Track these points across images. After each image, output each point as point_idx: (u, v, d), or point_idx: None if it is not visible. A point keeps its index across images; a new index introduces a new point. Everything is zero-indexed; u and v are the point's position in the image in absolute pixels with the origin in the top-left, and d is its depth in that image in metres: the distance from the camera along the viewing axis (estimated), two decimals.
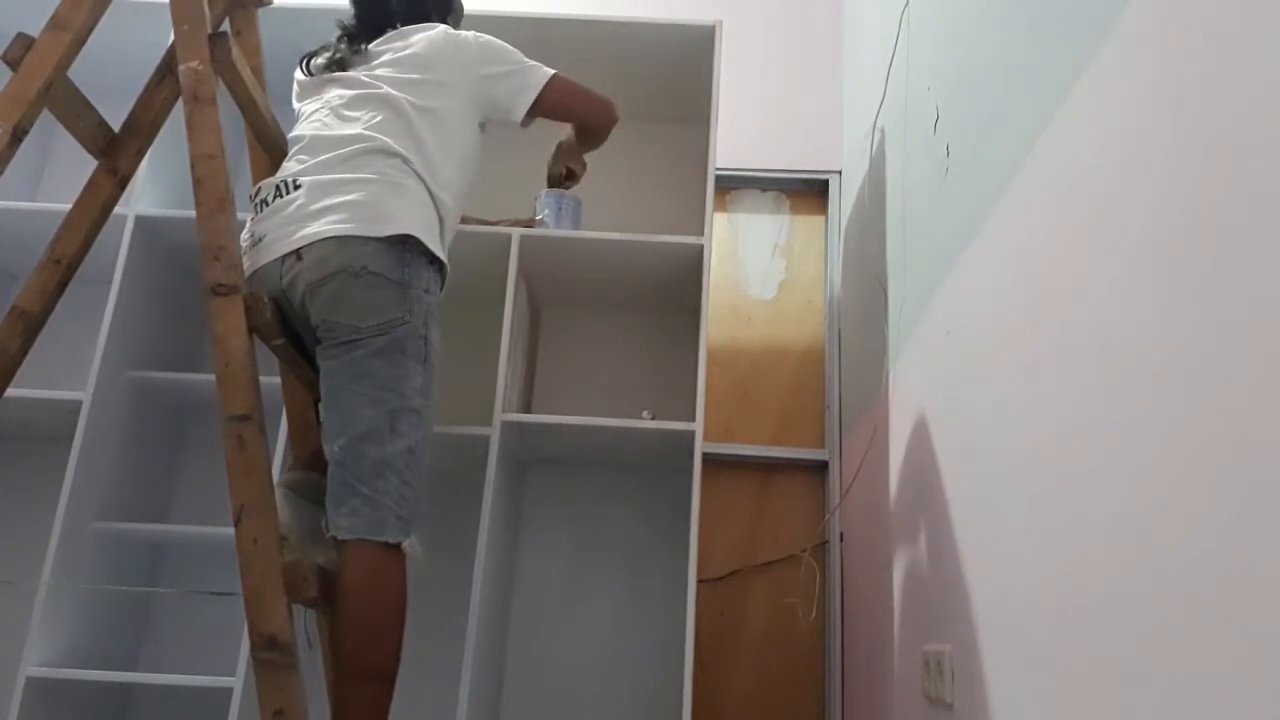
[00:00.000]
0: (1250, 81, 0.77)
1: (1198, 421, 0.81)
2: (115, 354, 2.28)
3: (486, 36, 1.92)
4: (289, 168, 1.71)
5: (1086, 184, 1.07)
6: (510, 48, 1.93)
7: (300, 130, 1.79)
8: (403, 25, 1.91)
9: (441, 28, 1.90)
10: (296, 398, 1.90)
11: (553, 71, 1.94)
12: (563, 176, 2.29)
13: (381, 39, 1.88)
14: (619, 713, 2.38)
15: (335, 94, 1.80)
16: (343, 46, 1.88)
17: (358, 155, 1.68)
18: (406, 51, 1.83)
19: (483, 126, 1.92)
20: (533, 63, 1.93)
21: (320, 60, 1.88)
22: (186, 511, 2.53)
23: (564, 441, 2.34)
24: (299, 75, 1.91)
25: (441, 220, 1.74)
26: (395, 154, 1.69)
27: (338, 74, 1.84)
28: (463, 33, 1.91)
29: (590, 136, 2.14)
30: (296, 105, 1.88)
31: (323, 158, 1.68)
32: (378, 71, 1.81)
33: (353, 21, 1.93)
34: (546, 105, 1.93)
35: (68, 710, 2.15)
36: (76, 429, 2.18)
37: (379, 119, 1.72)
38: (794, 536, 2.65)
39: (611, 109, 2.08)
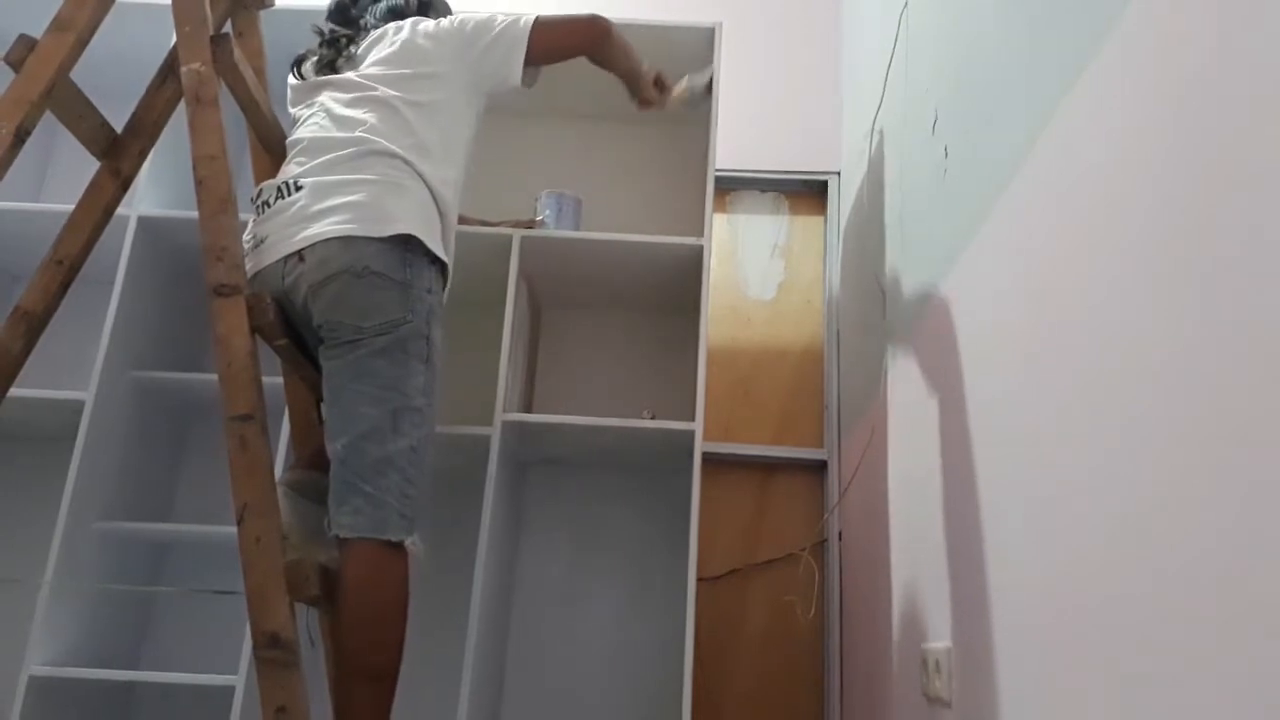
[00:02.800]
0: (1250, 81, 0.78)
1: (1198, 421, 0.81)
2: (118, 354, 2.28)
3: (468, 15, 1.90)
4: (289, 170, 1.71)
5: (1086, 183, 1.08)
6: (491, 16, 1.90)
7: (299, 133, 1.79)
8: (381, 23, 1.91)
9: (422, 21, 1.90)
10: (299, 398, 1.90)
11: (533, 18, 1.90)
12: (658, 92, 2.18)
13: (368, 39, 1.88)
14: (619, 712, 2.38)
15: (330, 96, 1.80)
16: (325, 51, 1.89)
17: (358, 156, 1.68)
18: (393, 49, 1.83)
19: (488, 100, 1.92)
20: (512, 18, 1.89)
21: (309, 65, 1.89)
22: (189, 511, 2.53)
23: (564, 441, 2.34)
24: (291, 80, 1.91)
25: (443, 218, 1.74)
26: (395, 155, 1.69)
27: (330, 77, 1.85)
28: (442, 20, 1.90)
29: (599, 61, 2.06)
30: (292, 110, 1.89)
31: (323, 159, 1.68)
32: (369, 71, 1.81)
33: (329, 26, 1.94)
34: (538, 56, 1.91)
35: (70, 709, 2.16)
36: (79, 429, 2.19)
37: (376, 119, 1.73)
38: (793, 536, 2.65)
39: (595, 26, 1.99)
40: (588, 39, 2.00)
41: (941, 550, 1.53)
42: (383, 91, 1.76)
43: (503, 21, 1.89)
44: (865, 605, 2.22)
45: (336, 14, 1.96)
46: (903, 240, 1.97)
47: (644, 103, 2.17)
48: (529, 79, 1.92)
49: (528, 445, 2.37)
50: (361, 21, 1.94)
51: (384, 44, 1.85)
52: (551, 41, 1.93)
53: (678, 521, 2.20)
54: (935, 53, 1.83)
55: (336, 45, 1.89)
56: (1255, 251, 0.75)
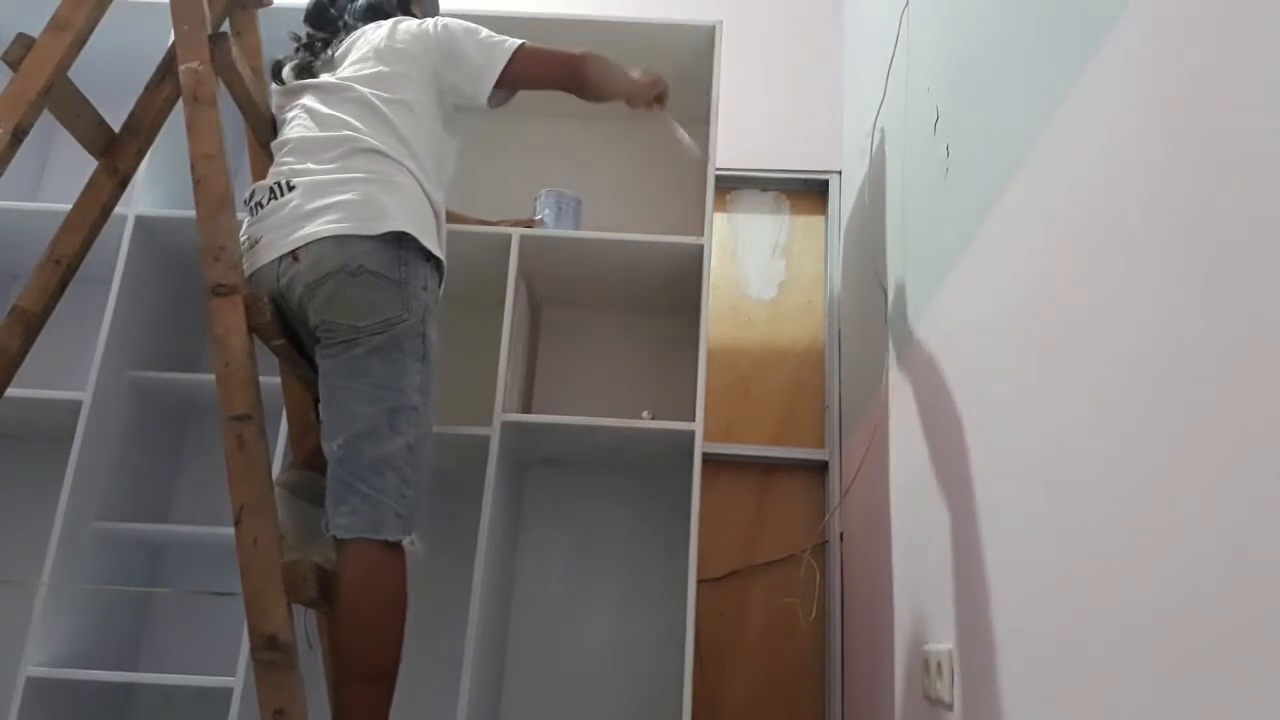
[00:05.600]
0: (1250, 80, 0.77)
1: (1199, 421, 0.81)
2: (115, 354, 2.28)
3: (453, 21, 1.86)
4: (280, 170, 1.70)
5: (1087, 183, 1.07)
6: (476, 28, 1.86)
7: (285, 134, 1.77)
8: (360, 23, 1.90)
9: (405, 20, 1.88)
10: (296, 398, 1.90)
11: (518, 44, 1.85)
12: (650, 105, 2.11)
13: (346, 41, 1.87)
14: (619, 713, 2.38)
15: (312, 98, 1.79)
16: (301, 55, 1.88)
17: (348, 155, 1.67)
18: (368, 48, 1.81)
19: (454, 110, 1.89)
20: (498, 39, 1.86)
21: (288, 69, 1.88)
22: (186, 511, 2.53)
23: (564, 441, 2.34)
24: (273, 85, 1.90)
25: (436, 216, 1.74)
26: (382, 153, 1.68)
27: (309, 81, 1.83)
28: (425, 20, 1.87)
29: (581, 95, 1.98)
30: (276, 115, 1.87)
31: (314, 158, 1.68)
32: (347, 71, 1.80)
33: (305, 30, 1.93)
34: (511, 81, 1.85)
35: (68, 710, 2.15)
36: (76, 429, 2.18)
37: (358, 118, 1.71)
38: (794, 536, 2.65)
39: (576, 69, 1.92)
40: (566, 80, 1.94)
41: (943, 552, 1.53)
42: (361, 91, 1.75)
43: (486, 38, 1.85)
44: (867, 607, 2.21)
45: (314, 15, 1.95)
46: (904, 239, 1.97)
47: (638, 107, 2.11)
48: (497, 100, 1.87)
49: (527, 445, 2.36)
50: (340, 22, 1.93)
51: (362, 43, 1.84)
52: (529, 73, 1.87)
53: (678, 522, 2.20)
54: (937, 51, 1.82)
55: (312, 49, 1.88)
56: (1257, 251, 0.74)
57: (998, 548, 1.29)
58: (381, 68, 1.78)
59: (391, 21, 1.87)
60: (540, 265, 2.38)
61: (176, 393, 2.47)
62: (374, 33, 1.85)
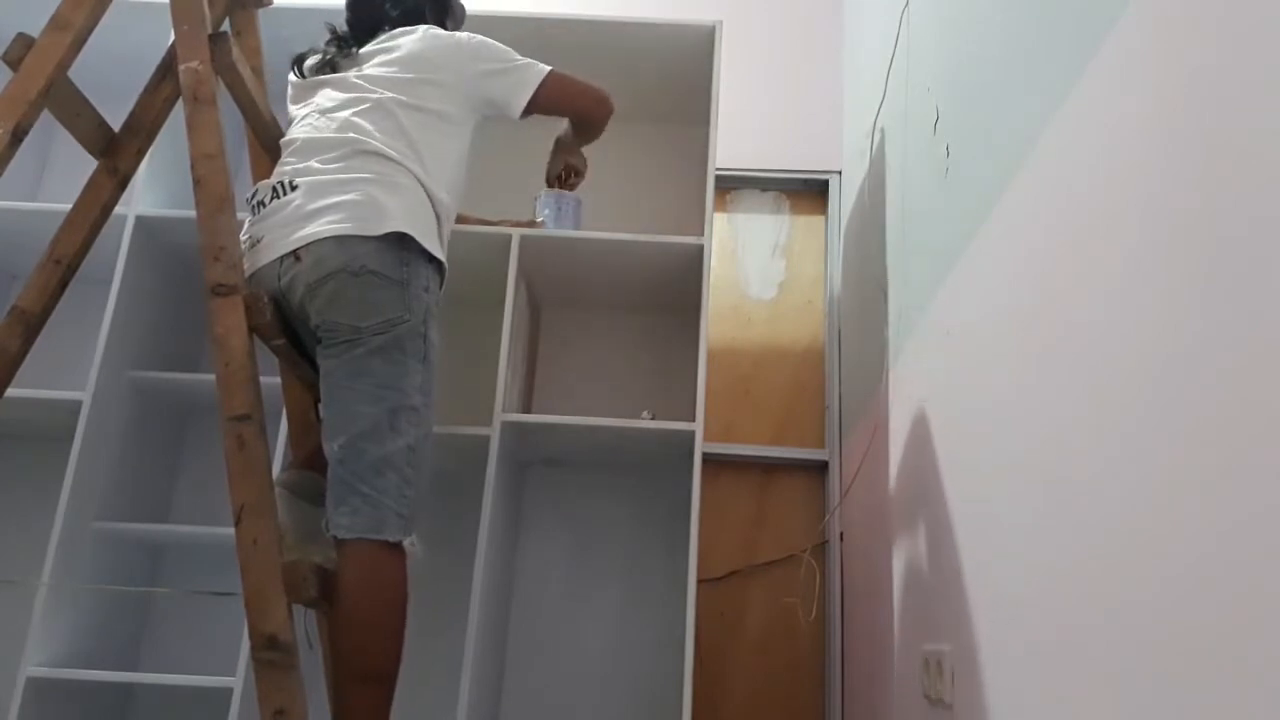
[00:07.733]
0: (1250, 80, 0.77)
1: (1199, 421, 0.81)
2: (115, 354, 2.28)
3: (480, 36, 1.91)
4: (284, 170, 1.71)
5: (1087, 183, 1.07)
6: (504, 46, 1.93)
7: (293, 133, 1.78)
8: (396, 28, 1.91)
9: (433, 28, 1.89)
10: (296, 398, 1.90)
11: (549, 68, 1.94)
12: (561, 177, 2.28)
13: (373, 41, 1.88)
14: (619, 713, 2.38)
15: (326, 96, 1.80)
16: (331, 49, 1.88)
17: (352, 156, 1.68)
18: (398, 52, 1.82)
19: (483, 120, 1.93)
20: (527, 60, 1.94)
21: (311, 63, 1.89)
22: (186, 511, 2.53)
23: (564, 441, 2.34)
24: (292, 78, 1.91)
25: (439, 218, 1.74)
26: (388, 155, 1.68)
27: (328, 76, 1.84)
28: (456, 33, 1.91)
29: (587, 130, 2.15)
30: (290, 108, 1.88)
31: (318, 158, 1.68)
32: (368, 72, 1.81)
33: (345, 26, 1.94)
34: (543, 101, 1.94)
35: (68, 710, 2.15)
36: (76, 429, 2.18)
37: (370, 120, 1.72)
38: (794, 536, 2.65)
39: (608, 101, 2.07)
40: (589, 111, 2.08)
41: (943, 551, 1.53)
42: (381, 94, 1.75)
43: (519, 60, 1.92)
44: (867, 606, 2.21)
45: (358, 9, 1.95)
46: (904, 239, 1.97)
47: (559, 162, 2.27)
48: (525, 116, 1.95)
49: (527, 446, 2.36)
50: (380, 16, 1.93)
51: (390, 47, 1.84)
52: (559, 98, 1.98)
53: (678, 522, 2.20)
54: (937, 51, 1.82)
55: (342, 43, 1.89)
56: (1257, 251, 0.74)
57: (998, 548, 1.29)
58: (409, 74, 1.79)
59: (423, 29, 1.88)
60: (540, 265, 2.38)
61: (176, 393, 2.47)
62: (404, 37, 1.85)
